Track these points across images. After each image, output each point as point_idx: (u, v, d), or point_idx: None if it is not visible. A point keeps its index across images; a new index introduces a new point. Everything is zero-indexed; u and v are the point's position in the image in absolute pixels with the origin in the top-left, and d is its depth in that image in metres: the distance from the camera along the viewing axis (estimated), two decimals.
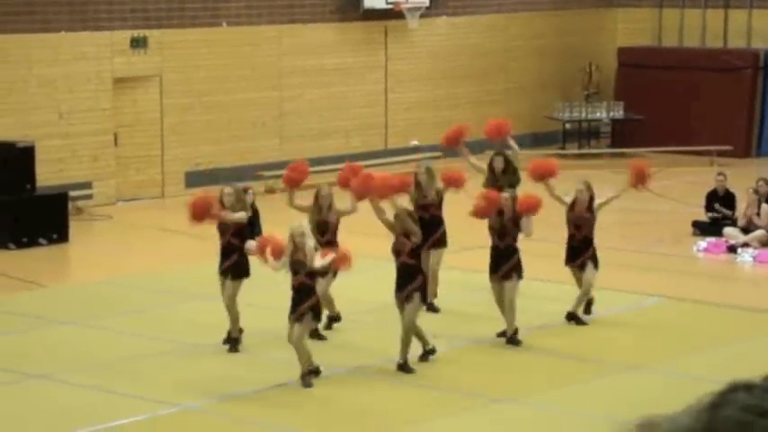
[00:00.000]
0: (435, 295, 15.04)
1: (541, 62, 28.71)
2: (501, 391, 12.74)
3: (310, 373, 12.58)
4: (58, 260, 19.27)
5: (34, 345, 14.32)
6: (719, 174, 20.68)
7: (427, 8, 26.37)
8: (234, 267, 13.59)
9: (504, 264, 13.93)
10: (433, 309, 14.96)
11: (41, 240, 19.53)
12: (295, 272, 12.46)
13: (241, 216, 13.70)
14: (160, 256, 18.69)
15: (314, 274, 12.60)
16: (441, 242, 14.98)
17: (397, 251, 13.12)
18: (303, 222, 12.97)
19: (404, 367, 13.06)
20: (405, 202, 14.48)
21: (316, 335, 13.86)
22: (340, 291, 14.62)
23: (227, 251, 13.69)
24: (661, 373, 13.35)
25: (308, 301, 12.43)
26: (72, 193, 20.97)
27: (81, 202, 21.71)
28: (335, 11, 25.48)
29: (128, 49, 22.71)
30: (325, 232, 13.95)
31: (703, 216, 20.25)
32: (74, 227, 20.10)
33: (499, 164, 16.00)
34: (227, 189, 14.21)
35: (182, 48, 23.35)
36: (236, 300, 13.57)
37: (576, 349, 14.14)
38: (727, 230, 19.67)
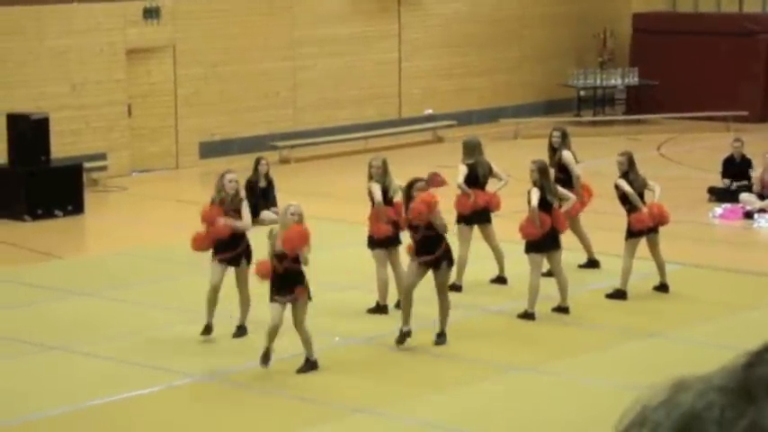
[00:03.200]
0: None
1: (556, 29, 28.56)
2: (518, 360, 12.72)
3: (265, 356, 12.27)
4: (74, 232, 19.29)
5: (51, 316, 14.34)
6: (736, 140, 20.56)
7: None
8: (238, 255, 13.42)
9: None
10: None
11: (57, 212, 19.54)
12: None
13: (245, 225, 13.27)
14: (175, 227, 18.67)
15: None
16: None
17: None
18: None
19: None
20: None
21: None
22: (354, 262, 14.61)
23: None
24: (679, 339, 13.32)
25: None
26: (86, 165, 20.98)
27: (95, 173, 21.72)
28: None
29: (140, 19, 22.65)
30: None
31: (719, 182, 20.16)
32: (89, 198, 20.12)
33: (556, 138, 15.84)
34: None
35: (195, 18, 23.29)
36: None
37: (594, 317, 14.12)
38: (744, 196, 19.58)
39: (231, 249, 13.26)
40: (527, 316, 13.90)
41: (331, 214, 17.56)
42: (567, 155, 15.71)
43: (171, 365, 12.54)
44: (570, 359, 12.73)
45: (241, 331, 13.37)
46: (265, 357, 12.16)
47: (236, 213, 13.27)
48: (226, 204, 13.26)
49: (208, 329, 13.26)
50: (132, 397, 11.75)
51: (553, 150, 15.86)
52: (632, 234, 14.65)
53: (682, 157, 24.00)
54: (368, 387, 12.06)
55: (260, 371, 12.28)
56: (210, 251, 13.36)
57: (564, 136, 15.84)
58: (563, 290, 14.03)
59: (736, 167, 20.06)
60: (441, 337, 13.11)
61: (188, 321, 13.69)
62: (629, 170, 14.81)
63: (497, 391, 11.95)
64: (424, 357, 12.83)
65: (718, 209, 19.27)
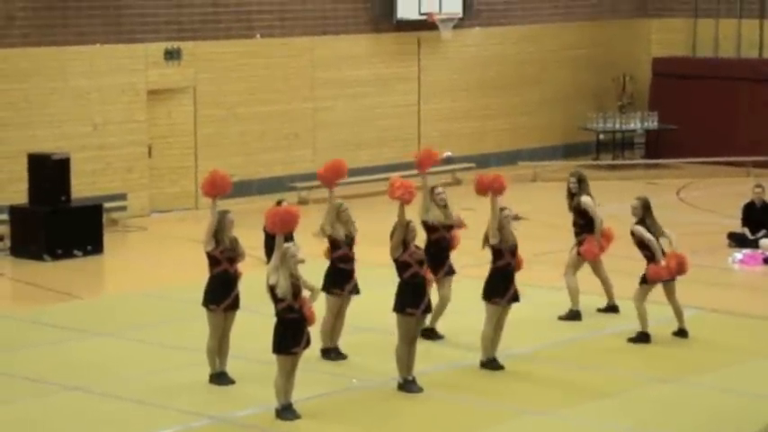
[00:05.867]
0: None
1: (575, 73, 28.63)
2: (533, 404, 12.66)
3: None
4: (93, 272, 19.34)
5: (69, 356, 14.36)
6: (757, 185, 20.51)
7: (460, 19, 26.36)
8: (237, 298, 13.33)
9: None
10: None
11: (76, 252, 19.60)
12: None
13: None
14: (194, 268, 18.67)
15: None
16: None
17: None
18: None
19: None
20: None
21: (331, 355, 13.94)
22: (371, 303, 14.63)
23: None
24: (697, 385, 13.26)
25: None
26: (106, 205, 21.06)
27: (115, 213, 21.79)
28: (368, 22, 25.51)
29: (162, 60, 22.80)
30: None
31: (739, 227, 20.10)
32: (108, 238, 20.17)
33: (573, 184, 15.83)
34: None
35: (215, 60, 23.43)
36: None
37: (610, 361, 14.07)
38: (764, 242, 19.55)
39: (232, 291, 13.21)
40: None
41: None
42: (586, 200, 15.70)
43: (189, 406, 12.53)
44: (587, 404, 12.68)
45: (225, 378, 13.23)
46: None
47: (234, 252, 13.21)
48: (223, 246, 13.24)
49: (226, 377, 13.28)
50: None
51: (571, 196, 15.86)
52: (646, 281, 14.62)
53: (701, 201, 23.96)
54: (381, 430, 12.02)
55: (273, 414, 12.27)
56: (207, 300, 13.23)
57: (581, 181, 15.82)
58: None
59: (757, 213, 20.02)
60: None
61: (206, 362, 13.65)
62: (644, 216, 14.75)
63: None
64: (439, 401, 12.79)
65: (738, 254, 19.21)
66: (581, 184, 15.77)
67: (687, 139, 27.51)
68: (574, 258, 15.70)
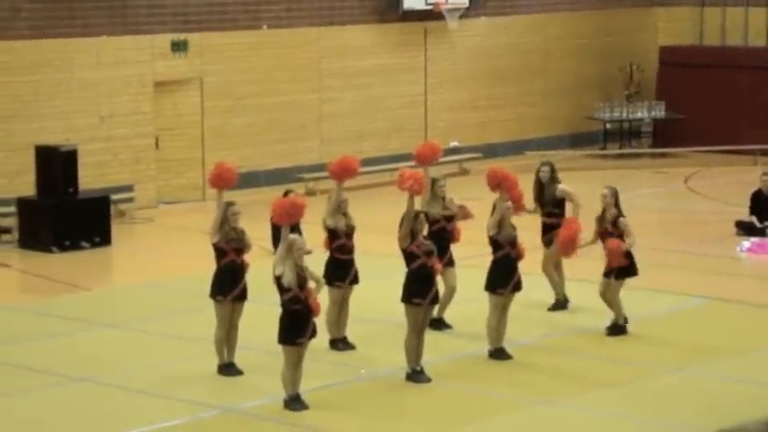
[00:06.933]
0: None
1: (582, 62, 28.60)
2: (539, 393, 12.68)
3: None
4: (101, 263, 19.38)
5: (77, 348, 14.40)
6: (765, 174, 20.48)
7: (467, 9, 26.35)
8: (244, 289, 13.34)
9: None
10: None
11: (84, 244, 19.64)
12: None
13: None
14: (201, 259, 18.70)
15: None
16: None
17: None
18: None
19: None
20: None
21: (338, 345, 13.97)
22: (379, 292, 14.63)
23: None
24: (703, 374, 13.26)
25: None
26: (114, 197, 21.10)
27: (123, 205, 21.83)
28: (375, 12, 25.50)
29: (168, 52, 22.81)
30: None
31: (746, 216, 20.09)
32: (116, 230, 20.21)
33: (545, 173, 15.74)
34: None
35: (222, 51, 23.43)
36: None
37: (619, 351, 14.07)
38: None
39: (240, 282, 13.23)
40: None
41: (357, 246, 17.54)
42: (565, 188, 15.55)
43: (197, 397, 12.56)
44: (594, 393, 12.69)
45: (233, 369, 13.27)
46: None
47: (241, 242, 13.21)
48: (229, 237, 13.26)
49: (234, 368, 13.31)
50: (159, 429, 11.77)
51: (540, 185, 15.71)
52: (620, 276, 14.49)
53: (709, 190, 23.96)
54: (387, 422, 12.03)
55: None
56: (215, 291, 13.25)
57: (553, 170, 15.72)
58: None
59: (765, 202, 20.00)
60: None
61: (215, 353, 13.68)
62: (616, 205, 14.61)
63: (516, 425, 11.91)
64: (447, 390, 12.81)
65: (746, 243, 19.20)
66: (553, 174, 15.69)
67: (694, 127, 27.47)
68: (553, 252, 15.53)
